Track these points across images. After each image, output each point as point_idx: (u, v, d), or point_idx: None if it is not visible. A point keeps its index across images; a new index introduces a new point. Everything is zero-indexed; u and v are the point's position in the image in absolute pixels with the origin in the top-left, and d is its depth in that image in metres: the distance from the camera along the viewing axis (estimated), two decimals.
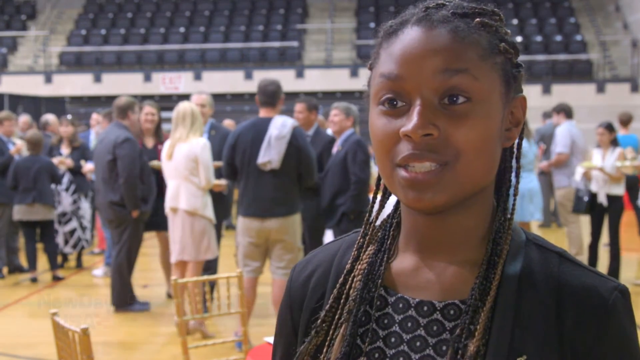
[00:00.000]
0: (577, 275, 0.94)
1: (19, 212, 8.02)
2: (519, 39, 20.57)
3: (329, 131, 8.96)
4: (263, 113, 5.49)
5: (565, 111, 8.43)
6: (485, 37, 0.92)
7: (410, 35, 0.91)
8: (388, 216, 1.05)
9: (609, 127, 7.69)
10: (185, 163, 5.77)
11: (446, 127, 0.89)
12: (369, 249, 1.02)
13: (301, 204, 5.69)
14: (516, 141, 1.00)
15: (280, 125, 5.33)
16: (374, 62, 0.96)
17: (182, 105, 5.84)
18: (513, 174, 1.02)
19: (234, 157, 5.44)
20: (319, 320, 0.99)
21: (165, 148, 5.97)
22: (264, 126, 5.36)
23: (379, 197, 1.05)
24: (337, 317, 0.98)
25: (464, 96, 0.89)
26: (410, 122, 0.88)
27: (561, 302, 0.91)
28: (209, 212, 5.90)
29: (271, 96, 5.43)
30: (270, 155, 5.29)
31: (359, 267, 1.00)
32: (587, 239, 8.18)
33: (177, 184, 5.82)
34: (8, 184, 8.08)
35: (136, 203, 6.51)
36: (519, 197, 7.63)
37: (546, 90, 18.51)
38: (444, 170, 0.89)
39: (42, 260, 8.70)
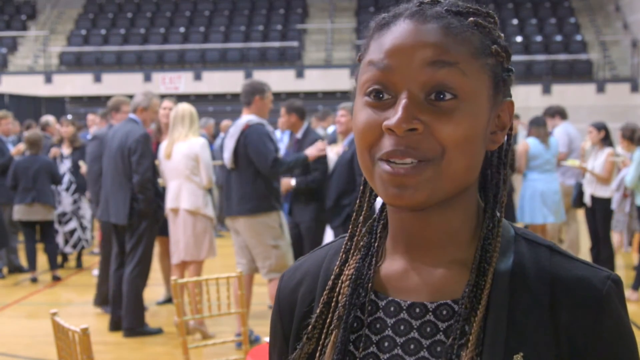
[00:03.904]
0: (569, 267, 0.93)
1: (19, 212, 8.02)
2: (519, 39, 20.59)
3: (329, 130, 8.97)
4: (242, 113, 5.61)
5: (559, 113, 8.37)
6: (477, 37, 0.91)
7: (402, 27, 0.90)
8: (374, 218, 1.03)
9: (598, 127, 7.64)
10: (186, 162, 5.78)
11: (431, 123, 0.87)
12: (356, 252, 1.01)
13: (299, 208, 5.88)
14: (504, 147, 0.99)
15: (235, 125, 5.47)
16: (364, 54, 0.95)
17: (181, 106, 5.88)
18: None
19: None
20: (310, 327, 0.98)
21: (163, 147, 5.95)
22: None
23: (365, 197, 1.03)
24: (327, 323, 0.97)
25: (451, 93, 0.88)
26: (395, 116, 0.87)
27: (555, 295, 0.91)
28: (210, 211, 5.91)
29: (245, 95, 5.54)
30: (225, 154, 5.46)
31: (347, 271, 0.99)
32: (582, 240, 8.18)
33: (178, 184, 5.82)
34: (8, 184, 8.08)
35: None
36: (528, 199, 7.49)
37: (546, 90, 18.51)
38: (426, 166, 0.88)
39: (42, 260, 8.70)
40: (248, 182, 5.41)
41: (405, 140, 0.87)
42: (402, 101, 0.87)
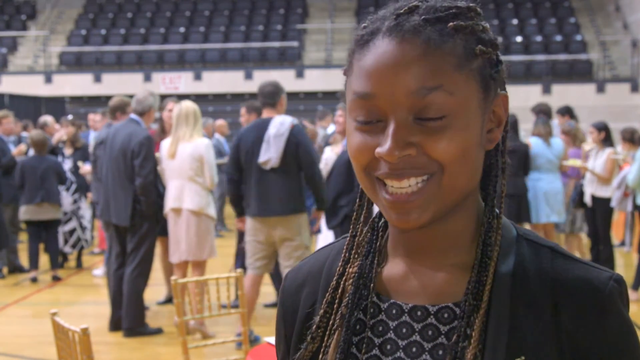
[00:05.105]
0: (571, 268, 0.92)
1: (27, 212, 8.01)
2: (519, 39, 20.59)
3: (329, 130, 8.97)
4: (265, 114, 5.55)
5: (544, 112, 8.35)
6: (460, 43, 0.88)
7: (382, 49, 0.88)
8: (377, 215, 1.03)
9: (598, 127, 7.65)
10: (191, 163, 5.73)
11: (424, 143, 0.87)
12: (359, 250, 1.00)
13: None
14: (501, 135, 0.97)
15: (279, 124, 5.37)
16: (348, 71, 0.94)
17: (185, 105, 5.80)
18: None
19: (239, 158, 5.49)
20: (314, 326, 0.98)
21: (166, 147, 5.87)
22: (265, 126, 5.42)
23: (365, 197, 1.03)
24: (331, 322, 0.97)
25: (439, 113, 0.86)
26: (386, 144, 0.86)
27: (556, 297, 0.90)
28: (212, 212, 5.91)
29: (269, 97, 5.48)
30: (269, 154, 5.33)
31: (350, 270, 0.99)
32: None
33: (180, 184, 5.78)
34: (15, 184, 8.11)
35: None
36: (532, 198, 7.48)
37: (546, 90, 18.51)
38: (428, 184, 0.88)
39: (42, 260, 8.70)
40: (293, 181, 5.42)
41: (400, 164, 0.87)
42: (391, 128, 0.87)
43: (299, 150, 5.36)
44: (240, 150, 5.48)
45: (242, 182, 5.54)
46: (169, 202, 5.85)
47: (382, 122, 0.88)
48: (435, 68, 0.86)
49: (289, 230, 5.41)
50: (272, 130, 5.34)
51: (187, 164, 5.74)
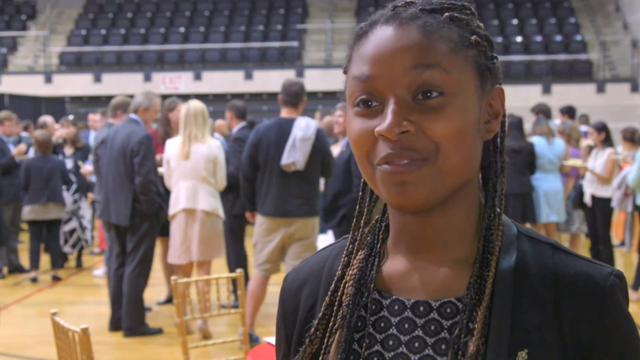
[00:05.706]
0: (572, 265, 0.94)
1: (32, 211, 8.01)
2: (519, 39, 20.59)
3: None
4: (285, 113, 5.50)
5: (544, 112, 8.34)
6: (455, 31, 0.92)
7: (380, 35, 0.92)
8: (377, 219, 1.04)
9: (598, 127, 7.66)
10: (205, 164, 5.69)
11: (421, 122, 0.88)
12: (359, 253, 1.01)
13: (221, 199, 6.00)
14: (499, 134, 0.99)
15: (305, 127, 5.35)
16: (348, 66, 0.97)
17: (193, 104, 5.74)
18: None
19: (257, 156, 5.43)
20: (313, 329, 0.99)
21: (176, 147, 5.76)
22: (288, 127, 5.37)
23: (365, 202, 1.04)
24: (330, 324, 0.98)
25: (437, 91, 0.89)
26: (385, 121, 0.88)
27: (558, 293, 0.91)
28: (222, 212, 5.93)
29: (294, 96, 5.46)
30: (295, 156, 5.30)
31: (350, 272, 0.99)
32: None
33: (193, 185, 5.72)
34: (21, 184, 8.13)
35: None
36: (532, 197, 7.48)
37: (546, 90, 18.51)
38: (423, 164, 0.89)
39: (42, 260, 8.70)
40: (314, 183, 5.47)
41: (399, 143, 0.89)
42: (391, 106, 0.89)
43: (323, 154, 5.42)
44: (259, 148, 5.41)
45: (256, 180, 5.49)
46: (181, 203, 5.75)
47: (381, 105, 0.91)
48: (432, 48, 0.89)
49: (304, 230, 5.42)
50: (298, 133, 5.31)
51: (202, 164, 5.69)
